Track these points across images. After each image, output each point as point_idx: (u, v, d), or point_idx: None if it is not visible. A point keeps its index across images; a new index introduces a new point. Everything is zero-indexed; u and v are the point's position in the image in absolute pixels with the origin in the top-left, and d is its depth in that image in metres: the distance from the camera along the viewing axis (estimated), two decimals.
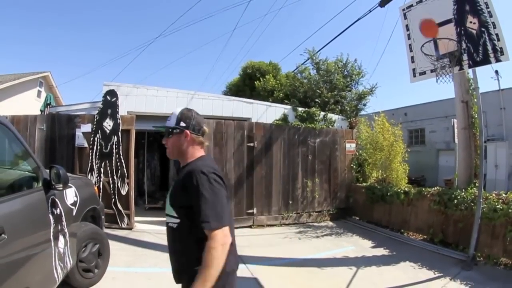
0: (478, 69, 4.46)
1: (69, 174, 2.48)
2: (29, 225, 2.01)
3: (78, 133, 5.64)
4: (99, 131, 5.69)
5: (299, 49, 22.67)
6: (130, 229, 5.57)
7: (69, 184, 2.49)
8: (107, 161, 5.63)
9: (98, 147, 5.67)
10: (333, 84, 10.58)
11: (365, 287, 3.50)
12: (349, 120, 8.38)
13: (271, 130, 6.66)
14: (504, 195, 4.23)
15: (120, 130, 5.68)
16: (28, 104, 12.56)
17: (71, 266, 2.62)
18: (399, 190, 5.74)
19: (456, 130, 5.82)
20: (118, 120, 5.72)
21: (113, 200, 5.57)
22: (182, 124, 1.36)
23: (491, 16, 4.01)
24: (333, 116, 8.35)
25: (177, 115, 1.38)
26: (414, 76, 4.93)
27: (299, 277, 3.75)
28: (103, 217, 3.70)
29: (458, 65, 4.34)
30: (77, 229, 2.79)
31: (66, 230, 2.48)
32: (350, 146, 7.35)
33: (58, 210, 2.39)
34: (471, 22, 4.17)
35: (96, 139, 5.68)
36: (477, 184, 4.65)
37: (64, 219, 2.47)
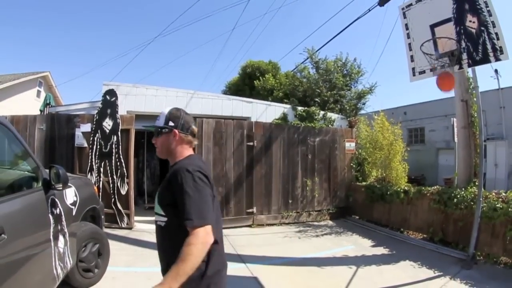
0: (478, 68, 4.47)
1: (68, 174, 2.48)
2: (29, 225, 2.01)
3: (78, 132, 5.64)
4: (99, 131, 5.69)
5: (298, 48, 22.83)
6: (130, 228, 5.58)
7: (69, 184, 2.49)
8: (106, 161, 5.63)
9: (98, 147, 5.66)
10: (333, 83, 10.60)
11: (365, 286, 3.50)
12: (348, 119, 8.39)
13: (270, 129, 6.65)
14: (503, 194, 4.22)
15: (119, 129, 5.68)
16: (27, 104, 12.55)
17: (71, 266, 2.62)
18: (398, 189, 5.74)
19: (455, 129, 5.82)
20: (118, 119, 5.71)
21: (113, 199, 5.57)
22: (171, 123, 1.36)
23: (490, 15, 4.00)
24: (333, 115, 8.37)
25: (166, 114, 1.38)
26: (414, 75, 4.94)
27: (299, 276, 3.75)
28: (103, 216, 3.70)
29: (458, 64, 4.35)
30: (77, 229, 2.79)
31: (66, 230, 2.48)
32: (350, 145, 7.35)
33: (58, 210, 2.39)
34: (470, 21, 4.17)
35: (95, 138, 5.67)
36: (476, 183, 4.66)
37: (64, 219, 2.47)
